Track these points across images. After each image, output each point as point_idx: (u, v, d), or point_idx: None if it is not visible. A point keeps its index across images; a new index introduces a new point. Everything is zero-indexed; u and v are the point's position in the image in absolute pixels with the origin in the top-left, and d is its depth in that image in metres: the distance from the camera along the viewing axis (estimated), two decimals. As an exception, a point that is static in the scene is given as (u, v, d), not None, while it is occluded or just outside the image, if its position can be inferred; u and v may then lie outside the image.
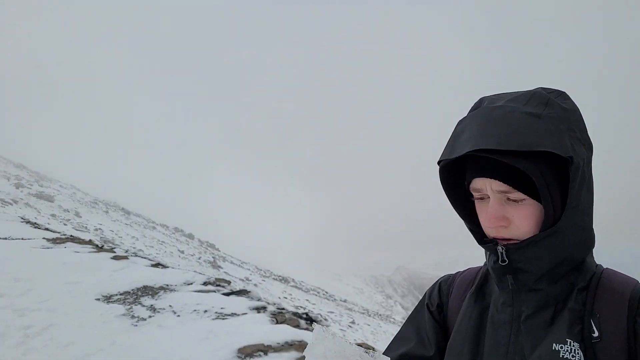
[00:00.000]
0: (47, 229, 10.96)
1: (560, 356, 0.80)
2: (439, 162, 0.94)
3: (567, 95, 0.90)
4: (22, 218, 12.39)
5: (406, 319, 1.15)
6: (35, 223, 11.52)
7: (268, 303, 6.07)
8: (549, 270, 0.86)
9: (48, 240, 9.13)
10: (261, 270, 50.58)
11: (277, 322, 5.26)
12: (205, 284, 6.64)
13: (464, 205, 0.99)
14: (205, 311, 5.48)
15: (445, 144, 0.92)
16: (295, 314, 5.74)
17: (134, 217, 44.50)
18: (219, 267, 38.99)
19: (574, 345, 0.80)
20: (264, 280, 42.12)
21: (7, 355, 4.39)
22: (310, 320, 5.64)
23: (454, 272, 1.14)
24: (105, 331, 4.88)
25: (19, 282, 6.43)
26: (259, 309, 5.70)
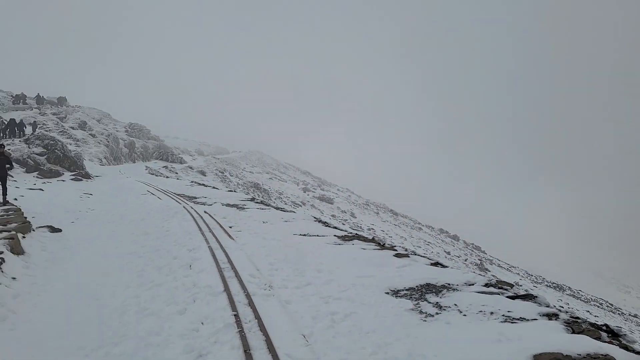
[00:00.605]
0: (335, 227, 12.37)
1: None
2: None
3: None
4: (314, 217, 14.26)
5: None
6: (325, 222, 13.13)
7: (560, 310, 5.66)
8: None
9: (338, 237, 10.32)
10: (532, 275, 47.28)
11: (573, 332, 4.87)
12: (487, 285, 6.56)
13: None
14: (492, 313, 5.41)
15: None
16: (593, 324, 5.21)
17: (402, 219, 46.77)
18: (486, 270, 38.00)
19: None
20: (536, 287, 39.25)
21: (319, 336, 5.12)
22: (612, 333, 5.04)
23: None
24: (398, 323, 5.27)
25: (321, 273, 7.43)
26: (549, 316, 5.36)
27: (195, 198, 20.13)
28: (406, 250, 9.34)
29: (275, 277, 7.35)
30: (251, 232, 11.45)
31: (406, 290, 6.49)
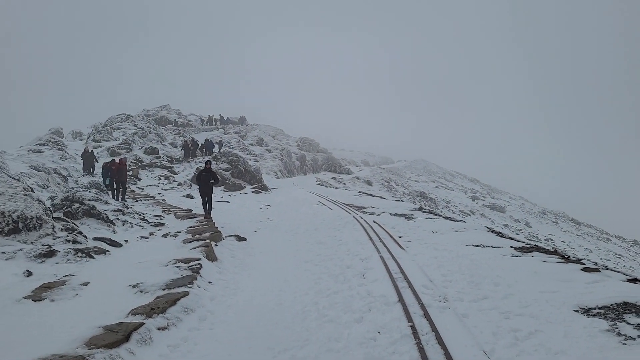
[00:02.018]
0: (510, 238, 11.70)
1: None
2: None
3: None
4: (486, 227, 13.65)
5: None
6: (499, 232, 12.49)
7: None
8: None
9: (515, 248, 9.74)
10: None
11: None
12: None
13: None
14: None
15: None
16: None
17: (585, 228, 42.28)
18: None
19: None
20: None
21: (501, 353, 4.89)
22: None
23: None
24: (592, 345, 4.78)
25: (498, 287, 7.09)
26: None
27: (364, 208, 20.67)
28: (595, 264, 8.45)
29: (449, 289, 7.21)
30: (421, 242, 11.40)
31: (599, 308, 5.88)
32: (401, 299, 6.75)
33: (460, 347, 5.06)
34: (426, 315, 6.07)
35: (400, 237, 12.18)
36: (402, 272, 8.35)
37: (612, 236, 45.90)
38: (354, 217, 16.81)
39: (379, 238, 11.99)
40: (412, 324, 5.81)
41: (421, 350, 5.04)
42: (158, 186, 26.62)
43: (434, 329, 5.60)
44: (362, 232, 13.24)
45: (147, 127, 39.05)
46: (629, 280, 7.05)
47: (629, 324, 5.29)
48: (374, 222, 15.15)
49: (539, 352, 4.80)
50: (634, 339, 4.88)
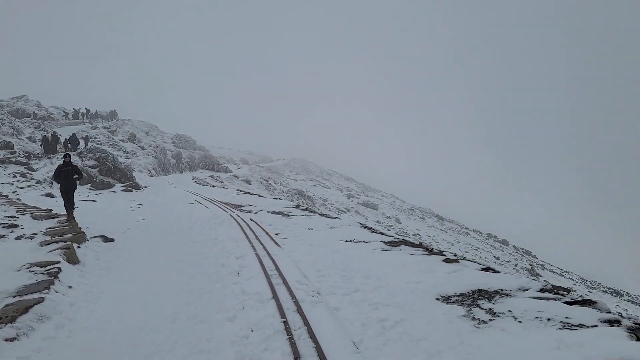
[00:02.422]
0: (381, 233, 12.26)
1: None
2: None
3: None
4: (360, 223, 14.19)
5: None
6: (371, 228, 13.04)
7: (622, 317, 5.39)
8: None
9: (385, 243, 10.22)
10: (587, 280, 45.49)
11: (637, 339, 4.62)
12: (542, 290, 6.32)
13: None
14: (549, 319, 5.21)
15: None
16: (659, 332, 4.92)
17: (448, 223, 45.94)
18: (538, 275, 36.77)
19: None
20: (591, 292, 37.68)
21: (369, 343, 5.06)
22: (681, 341, 4.74)
23: None
24: (450, 330, 5.14)
25: (369, 280, 7.36)
26: (611, 322, 5.11)
27: (241, 206, 20.42)
28: (455, 255, 9.14)
29: (323, 283, 7.34)
30: (297, 239, 11.50)
31: (457, 296, 6.35)
32: (275, 296, 6.72)
33: (331, 340, 5.14)
34: (299, 311, 6.10)
35: (276, 234, 12.18)
36: (277, 269, 8.34)
37: (470, 230, 50.51)
38: (230, 215, 16.51)
39: (256, 236, 11.89)
40: (285, 319, 5.80)
41: (293, 345, 5.04)
42: (12, 184, 23.86)
43: (306, 323, 5.64)
44: (239, 230, 13.04)
45: (0, 119, 34.98)
46: (482, 269, 7.71)
47: (482, 308, 5.77)
48: (251, 220, 15.01)
49: (403, 339, 5.04)
50: (486, 322, 5.32)
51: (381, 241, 10.52)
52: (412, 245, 9.94)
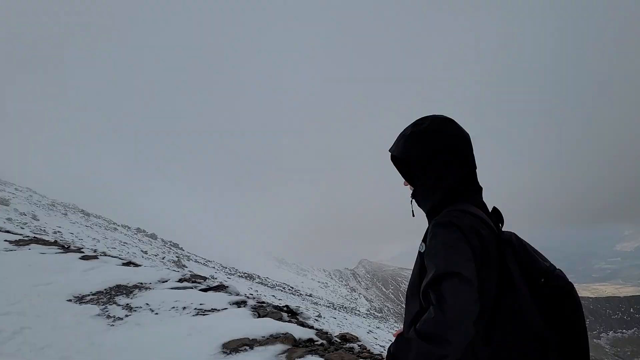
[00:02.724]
0: (7, 232, 10.49)
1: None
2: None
3: (428, 119, 1.74)
4: (-22, 221, 11.81)
5: None
6: (-7, 226, 11.01)
7: (248, 297, 5.99)
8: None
9: (10, 242, 8.73)
10: (226, 268, 50.04)
11: (259, 316, 5.19)
12: (180, 280, 6.49)
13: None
14: (184, 308, 5.36)
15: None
16: (276, 307, 5.67)
17: (94, 219, 43.31)
18: (184, 266, 38.31)
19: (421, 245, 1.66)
20: (229, 278, 41.68)
21: (-24, 363, 4.17)
22: (291, 313, 5.59)
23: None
24: (81, 332, 4.69)
25: (-17, 286, 6.13)
26: (239, 304, 5.62)
27: None
28: (96, 251, 8.56)
29: None
30: None
31: (93, 294, 5.90)
32: None
33: None
34: None
35: None
36: None
37: (119, 225, 48.78)
38: None
39: None
40: None
41: None
42: None
43: None
44: None
45: None
46: (123, 264, 7.45)
47: (119, 305, 5.52)
48: None
49: (22, 351, 4.32)
50: (122, 318, 5.09)
51: (5, 240, 8.97)
52: (45, 243, 8.83)
